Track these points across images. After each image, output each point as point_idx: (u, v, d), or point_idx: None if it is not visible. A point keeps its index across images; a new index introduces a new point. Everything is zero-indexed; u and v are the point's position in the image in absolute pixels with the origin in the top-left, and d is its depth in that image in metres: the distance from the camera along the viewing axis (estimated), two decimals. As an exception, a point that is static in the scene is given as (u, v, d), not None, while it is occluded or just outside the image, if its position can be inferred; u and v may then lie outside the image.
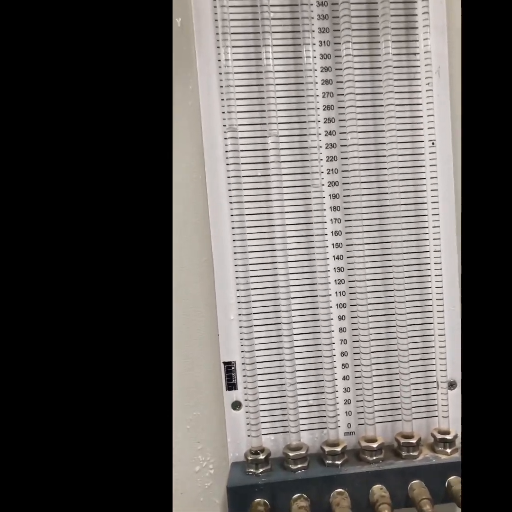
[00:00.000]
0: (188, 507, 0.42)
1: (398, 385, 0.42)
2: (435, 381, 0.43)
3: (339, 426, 0.42)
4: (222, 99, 0.38)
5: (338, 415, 0.42)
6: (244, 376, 0.40)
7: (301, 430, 0.41)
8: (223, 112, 0.38)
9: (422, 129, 0.40)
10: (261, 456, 0.40)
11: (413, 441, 0.41)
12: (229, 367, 0.41)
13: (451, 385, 0.43)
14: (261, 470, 0.40)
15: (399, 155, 0.39)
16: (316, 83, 0.39)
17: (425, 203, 0.41)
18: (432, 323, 0.42)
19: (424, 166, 0.40)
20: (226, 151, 0.38)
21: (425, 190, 0.41)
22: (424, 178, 0.41)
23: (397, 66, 0.39)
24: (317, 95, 0.39)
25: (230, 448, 0.41)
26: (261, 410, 0.41)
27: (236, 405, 0.41)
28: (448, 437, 0.41)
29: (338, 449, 0.40)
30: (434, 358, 0.42)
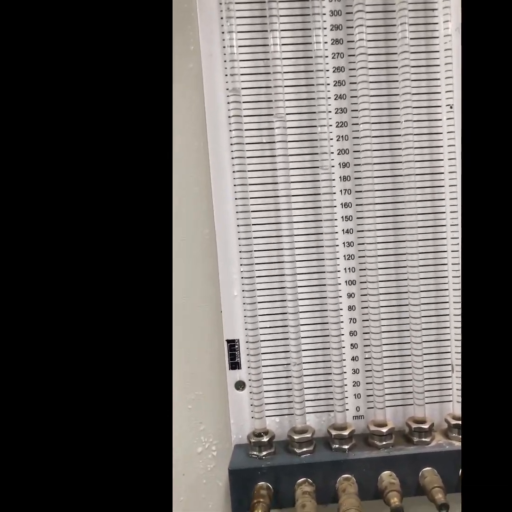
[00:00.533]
0: (190, 489, 0.41)
1: (410, 367, 0.39)
2: (450, 364, 0.40)
3: (347, 409, 0.40)
4: (225, 61, 0.36)
5: (346, 397, 0.40)
6: (248, 354, 0.38)
7: (307, 413, 0.39)
8: (226, 75, 0.36)
9: (439, 92, 0.37)
10: (265, 439, 0.38)
11: (425, 426, 0.39)
12: (233, 345, 0.39)
13: (467, 368, 0.40)
14: (264, 453, 0.38)
15: (414, 121, 0.37)
16: (326, 43, 0.36)
17: (442, 172, 0.38)
18: (447, 302, 0.40)
19: (441, 132, 0.38)
20: (229, 116, 0.36)
21: (442, 159, 0.38)
22: (441, 146, 0.38)
23: (413, 23, 0.36)
24: (327, 56, 0.36)
25: (233, 429, 0.40)
26: (265, 391, 0.39)
27: (240, 385, 0.39)
28: (463, 422, 0.39)
29: (346, 433, 0.38)
30: (449, 340, 0.40)
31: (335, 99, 0.37)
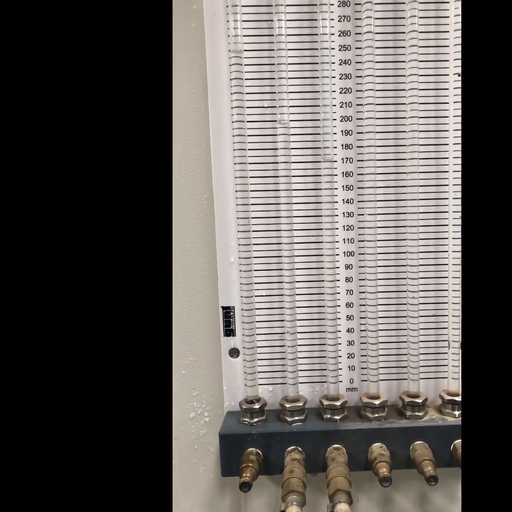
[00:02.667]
0: (181, 454, 0.41)
1: (406, 342, 0.39)
2: (446, 340, 0.40)
3: (341, 381, 0.40)
4: (228, 21, 0.35)
5: (340, 369, 0.39)
6: (242, 322, 0.38)
7: (300, 383, 0.39)
8: (229, 36, 0.35)
9: (447, 60, 0.36)
10: (256, 406, 0.38)
11: (419, 400, 0.39)
12: (228, 312, 0.39)
13: (464, 345, 0.40)
14: (255, 420, 0.38)
15: (420, 89, 0.35)
16: (332, 4, 0.35)
17: (447, 144, 0.37)
18: (447, 277, 0.39)
19: (447, 102, 0.37)
20: (231, 79, 0.35)
21: (447, 130, 0.37)
22: (447, 117, 0.37)
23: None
24: (332, 19, 0.35)
25: (226, 396, 0.40)
26: (259, 359, 0.39)
27: (234, 352, 0.39)
28: (457, 399, 0.39)
29: (338, 403, 0.38)
30: (446, 315, 0.39)
31: (340, 64, 0.36)
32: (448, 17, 0.36)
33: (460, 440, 0.38)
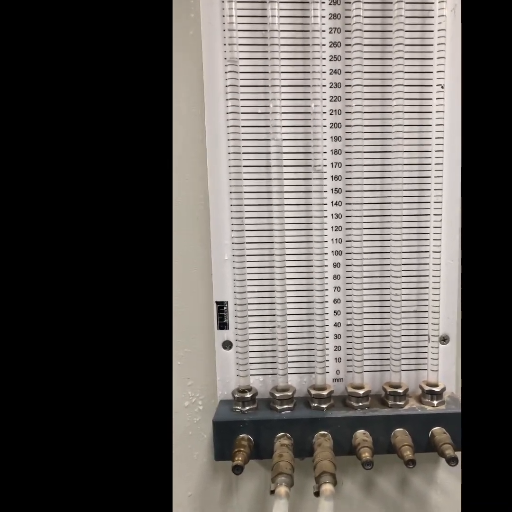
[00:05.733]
0: (176, 440, 0.43)
1: (389, 336, 0.42)
2: (426, 335, 0.42)
3: (328, 372, 0.42)
4: (224, 30, 0.36)
5: (327, 360, 0.42)
6: (235, 316, 0.40)
7: (289, 373, 0.42)
8: (225, 44, 0.37)
9: (431, 72, 0.38)
10: (248, 395, 0.40)
11: (400, 391, 0.41)
12: (221, 307, 0.41)
13: (444, 339, 0.43)
14: (247, 408, 0.40)
15: (406, 98, 0.38)
16: (323, 17, 0.37)
17: (430, 150, 0.40)
18: (427, 276, 0.41)
19: (430, 111, 0.39)
20: (226, 86, 0.37)
21: (430, 138, 0.39)
22: (430, 125, 0.39)
23: (409, 2, 0.37)
24: (324, 30, 0.37)
25: (219, 386, 0.42)
26: (251, 351, 0.41)
27: (227, 344, 0.42)
28: (436, 389, 0.41)
29: (324, 393, 0.41)
30: (427, 311, 0.42)
31: (330, 73, 0.38)
32: (432, 31, 0.38)
33: (437, 428, 0.40)
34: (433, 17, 0.38)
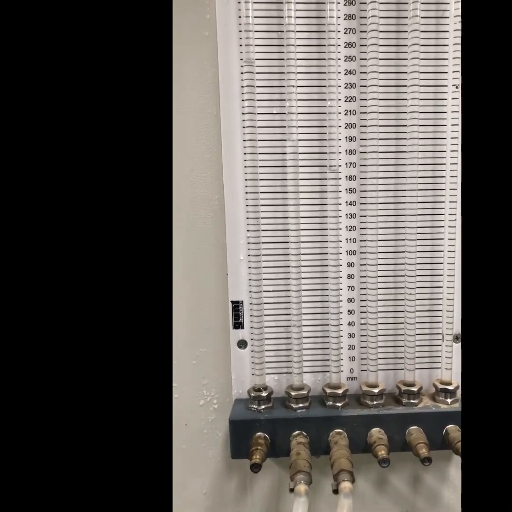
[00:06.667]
0: (191, 438, 0.44)
1: (403, 335, 0.42)
2: (440, 333, 0.43)
3: (342, 371, 0.43)
4: (240, 31, 0.37)
5: (341, 359, 0.42)
6: (251, 315, 0.41)
7: (304, 372, 0.42)
8: (241, 45, 0.37)
9: (446, 72, 0.38)
10: (264, 394, 0.41)
11: (414, 389, 0.41)
12: (237, 306, 0.41)
13: (457, 338, 0.43)
14: (263, 406, 0.41)
15: (420, 99, 0.38)
16: (338, 17, 0.37)
17: (444, 151, 0.40)
18: (442, 275, 0.42)
19: (445, 112, 0.39)
20: (242, 87, 0.37)
21: (445, 138, 0.40)
22: (445, 125, 0.39)
23: (424, 2, 0.37)
24: (339, 31, 0.37)
25: (234, 385, 0.43)
26: (266, 350, 0.42)
27: (242, 343, 0.42)
28: (450, 388, 0.42)
29: (340, 391, 0.41)
30: (441, 310, 0.42)
31: (345, 74, 0.38)
32: (447, 31, 0.38)
33: (451, 425, 0.41)
34: (448, 17, 0.38)
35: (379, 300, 0.41)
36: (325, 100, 0.38)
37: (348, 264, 0.41)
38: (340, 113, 0.39)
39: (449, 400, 0.42)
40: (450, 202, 0.40)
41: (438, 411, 0.41)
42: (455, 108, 0.38)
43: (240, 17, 0.36)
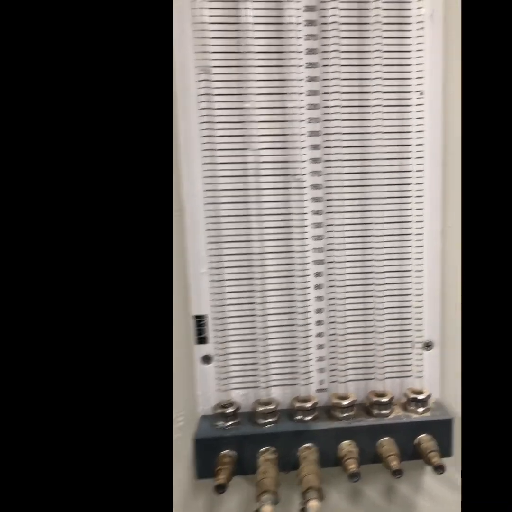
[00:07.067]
0: (158, 457, 0.42)
1: (373, 344, 0.41)
2: (410, 342, 0.42)
3: (311, 383, 0.42)
4: (196, 37, 0.35)
5: (310, 371, 0.41)
6: (214, 330, 0.39)
7: (272, 386, 0.41)
8: (197, 52, 0.36)
9: (410, 78, 0.38)
10: (230, 410, 0.40)
11: (385, 399, 0.41)
12: (200, 320, 0.40)
13: (427, 345, 0.42)
14: (229, 423, 0.40)
15: (384, 105, 0.37)
16: (299, 24, 0.36)
17: (410, 157, 0.39)
18: (410, 283, 0.41)
19: (410, 118, 0.38)
20: (199, 95, 0.36)
21: (410, 145, 0.39)
22: (410, 132, 0.39)
23: (387, 9, 0.36)
24: (300, 37, 0.36)
25: (199, 401, 0.41)
26: (232, 365, 0.40)
27: (206, 359, 0.41)
28: (420, 397, 0.41)
29: (308, 405, 0.40)
30: (410, 318, 0.42)
31: (307, 81, 0.37)
32: (410, 37, 0.37)
33: (423, 435, 0.40)
34: (410, 23, 0.37)
35: (347, 310, 0.40)
36: (287, 107, 0.37)
37: (316, 274, 0.41)
38: (303, 120, 0.38)
39: (420, 410, 0.41)
40: (416, 209, 0.39)
41: (410, 421, 0.40)
42: (419, 114, 0.37)
43: (195, 23, 0.35)
